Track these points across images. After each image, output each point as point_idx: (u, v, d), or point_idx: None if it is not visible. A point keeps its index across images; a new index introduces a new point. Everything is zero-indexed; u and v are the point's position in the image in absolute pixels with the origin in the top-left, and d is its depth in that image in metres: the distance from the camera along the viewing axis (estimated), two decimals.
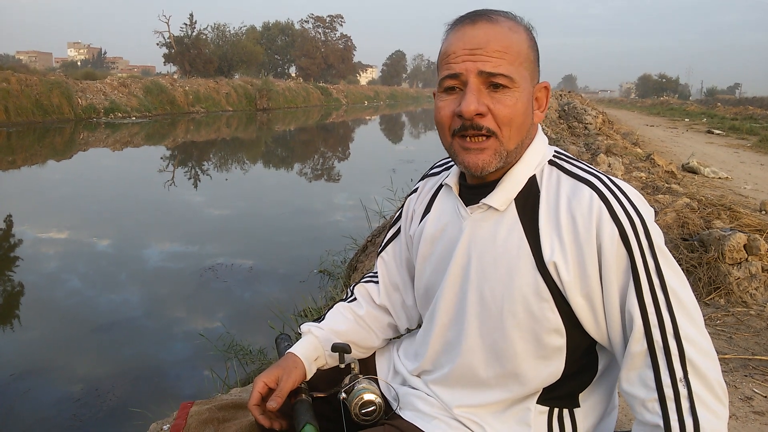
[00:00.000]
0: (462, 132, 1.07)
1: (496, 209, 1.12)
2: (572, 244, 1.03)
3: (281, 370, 1.25)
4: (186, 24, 50.69)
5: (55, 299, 5.42)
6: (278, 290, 5.61)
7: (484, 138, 1.06)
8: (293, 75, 74.47)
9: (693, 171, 8.62)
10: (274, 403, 1.19)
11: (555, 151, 1.16)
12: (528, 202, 1.10)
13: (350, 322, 1.38)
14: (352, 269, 5.19)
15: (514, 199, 1.11)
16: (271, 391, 1.23)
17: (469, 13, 1.11)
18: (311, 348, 1.32)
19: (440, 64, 1.11)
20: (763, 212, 5.78)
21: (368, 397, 1.23)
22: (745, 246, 3.49)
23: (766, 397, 2.35)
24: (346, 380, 1.29)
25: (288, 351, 1.32)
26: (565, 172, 1.10)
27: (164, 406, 3.14)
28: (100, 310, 5.21)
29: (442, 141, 1.13)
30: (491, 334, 1.11)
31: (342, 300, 1.45)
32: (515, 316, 1.08)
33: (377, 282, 1.44)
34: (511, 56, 1.05)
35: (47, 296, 5.50)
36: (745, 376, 2.52)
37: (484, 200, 1.12)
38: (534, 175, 1.12)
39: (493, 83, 1.05)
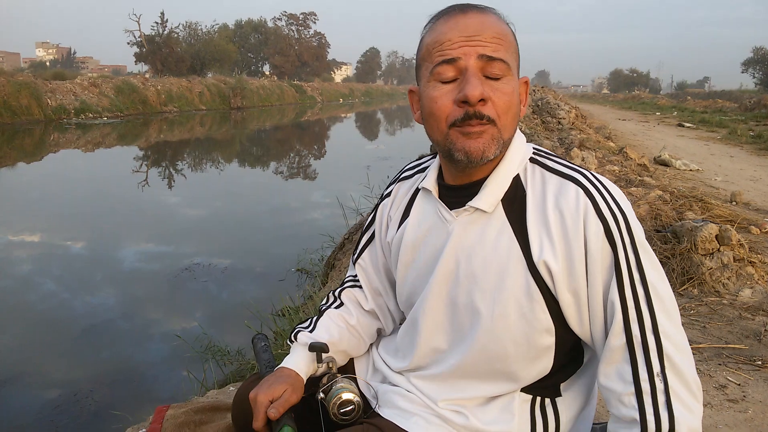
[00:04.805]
0: (463, 121, 1.03)
1: (484, 211, 1.10)
2: (561, 241, 1.03)
3: (287, 386, 1.22)
4: (157, 23, 50.06)
5: (29, 303, 5.30)
6: (256, 289, 5.57)
7: (483, 125, 1.03)
8: (267, 73, 73.95)
9: (665, 164, 8.74)
10: (275, 412, 1.16)
11: (534, 149, 1.16)
12: (515, 202, 1.09)
13: (343, 331, 1.34)
14: (329, 267, 5.17)
15: (501, 199, 1.10)
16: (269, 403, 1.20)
17: (454, 5, 1.09)
18: (309, 361, 1.30)
19: (429, 53, 1.07)
20: (734, 203, 5.88)
21: (347, 396, 1.22)
22: (716, 236, 3.54)
23: (739, 384, 2.39)
24: (324, 380, 1.27)
25: (287, 366, 1.28)
26: (548, 170, 1.10)
27: (142, 409, 3.10)
28: (76, 313, 5.12)
29: (434, 133, 1.08)
30: (482, 338, 1.10)
31: (327, 305, 1.41)
32: (506, 318, 1.07)
33: (361, 287, 1.41)
34: (506, 44, 1.04)
35: (21, 300, 5.38)
36: (719, 364, 2.56)
37: (470, 203, 1.10)
38: (518, 174, 1.11)
39: (490, 72, 1.02)
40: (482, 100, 1.02)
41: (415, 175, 1.30)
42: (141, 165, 14.82)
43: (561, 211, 1.03)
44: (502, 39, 1.04)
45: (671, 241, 3.67)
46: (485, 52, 1.02)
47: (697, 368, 1.03)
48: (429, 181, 1.20)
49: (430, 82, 1.07)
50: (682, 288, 3.39)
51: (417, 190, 1.26)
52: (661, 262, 3.54)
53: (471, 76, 1.02)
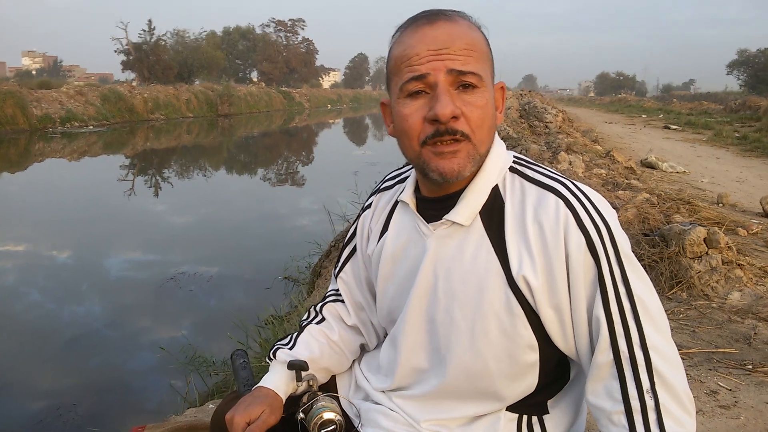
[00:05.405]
0: (435, 138, 0.99)
1: (461, 225, 1.05)
2: (541, 255, 0.99)
3: (264, 406, 1.16)
4: (144, 30, 49.82)
5: (13, 313, 5.25)
6: (242, 298, 5.53)
7: (457, 142, 0.99)
8: (255, 80, 73.69)
9: (651, 166, 8.77)
10: None
11: (514, 157, 1.11)
12: (493, 214, 1.05)
13: (324, 348, 1.29)
14: (316, 275, 5.13)
15: (479, 212, 1.05)
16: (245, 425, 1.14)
17: (422, 13, 1.04)
18: (288, 380, 1.24)
19: (398, 68, 1.02)
20: (721, 205, 5.89)
21: (328, 416, 1.17)
22: (705, 239, 3.53)
23: (730, 390, 2.36)
24: (304, 399, 1.22)
25: (265, 386, 1.22)
26: (528, 180, 1.06)
27: (125, 425, 3.05)
28: (61, 324, 5.06)
29: (407, 151, 1.04)
30: (463, 356, 1.06)
31: (308, 321, 1.36)
32: (487, 334, 1.03)
33: (343, 301, 1.35)
34: (477, 54, 1.00)
35: (4, 310, 5.31)
36: (710, 369, 2.53)
37: (447, 216, 1.06)
38: (497, 185, 1.07)
39: (462, 83, 0.98)
40: (454, 117, 0.98)
41: (396, 186, 1.25)
42: (127, 173, 14.71)
43: (540, 224, 1.00)
44: (473, 49, 1.00)
45: (659, 245, 3.65)
46: (455, 66, 0.98)
47: (687, 374, 1.00)
48: (406, 194, 1.15)
49: (400, 99, 1.03)
50: (671, 292, 3.37)
51: (396, 202, 1.21)
52: (649, 266, 3.53)
53: (441, 93, 0.98)
